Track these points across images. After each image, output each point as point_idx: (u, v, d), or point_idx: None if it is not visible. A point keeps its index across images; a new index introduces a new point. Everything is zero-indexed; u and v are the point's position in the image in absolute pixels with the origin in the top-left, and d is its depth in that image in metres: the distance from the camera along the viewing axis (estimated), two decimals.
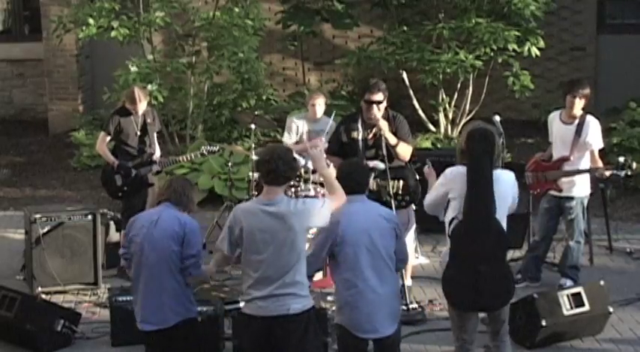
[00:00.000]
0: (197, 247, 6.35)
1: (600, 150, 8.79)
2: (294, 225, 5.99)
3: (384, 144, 8.25)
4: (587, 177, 8.78)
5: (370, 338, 6.45)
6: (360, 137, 8.37)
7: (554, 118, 8.88)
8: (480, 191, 6.35)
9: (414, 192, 8.39)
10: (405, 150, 8.39)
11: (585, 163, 8.71)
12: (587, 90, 8.68)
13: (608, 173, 8.82)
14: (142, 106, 9.32)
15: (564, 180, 8.71)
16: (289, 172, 6.06)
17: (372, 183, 8.16)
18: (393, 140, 8.31)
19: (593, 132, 8.66)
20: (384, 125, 8.28)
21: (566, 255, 8.92)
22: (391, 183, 8.18)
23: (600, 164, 8.73)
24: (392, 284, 6.51)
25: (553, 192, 8.74)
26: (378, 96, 8.27)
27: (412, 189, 8.37)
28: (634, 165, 8.88)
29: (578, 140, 8.62)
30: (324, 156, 6.66)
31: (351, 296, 6.34)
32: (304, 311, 6.05)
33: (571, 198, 8.74)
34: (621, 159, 8.94)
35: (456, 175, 6.50)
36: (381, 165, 8.32)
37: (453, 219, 6.43)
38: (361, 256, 6.34)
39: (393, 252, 6.48)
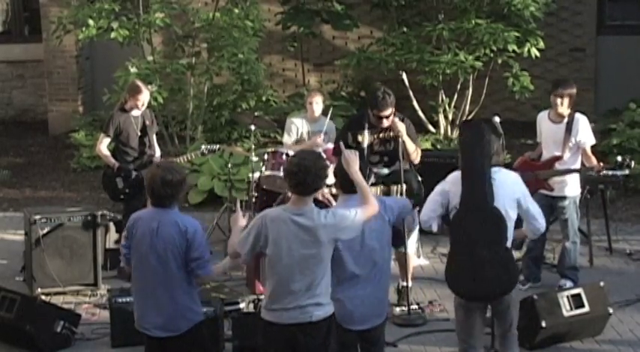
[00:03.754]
0: (200, 249, 6.15)
1: (595, 149, 8.81)
2: (322, 238, 5.92)
3: (400, 148, 8.25)
4: (577, 176, 8.80)
5: (355, 329, 6.41)
6: (365, 142, 8.38)
7: (542, 118, 8.90)
8: (474, 176, 6.46)
9: (417, 195, 8.41)
10: (418, 153, 8.48)
11: (577, 162, 8.74)
12: (569, 90, 8.68)
13: (604, 171, 8.81)
14: (145, 97, 9.28)
15: (556, 179, 8.72)
16: (318, 182, 5.96)
17: (377, 189, 8.19)
18: (410, 144, 8.36)
19: (584, 130, 8.69)
20: (402, 127, 8.31)
21: (564, 256, 8.93)
22: (395, 187, 8.21)
23: (594, 161, 8.74)
24: (380, 281, 6.47)
25: (544, 192, 8.72)
26: (388, 112, 8.31)
27: (416, 191, 8.38)
28: (632, 163, 8.90)
29: (569, 138, 8.64)
30: (357, 160, 6.49)
31: (342, 294, 6.32)
32: (326, 317, 6.03)
33: (564, 198, 8.75)
34: (619, 158, 8.95)
35: (454, 176, 6.64)
36: (384, 171, 8.34)
37: (452, 209, 6.51)
38: (350, 254, 6.30)
39: (390, 246, 6.52)
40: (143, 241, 6.16)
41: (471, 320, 6.62)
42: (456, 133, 13.29)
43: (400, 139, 8.29)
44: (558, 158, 8.68)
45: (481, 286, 6.50)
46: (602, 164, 8.82)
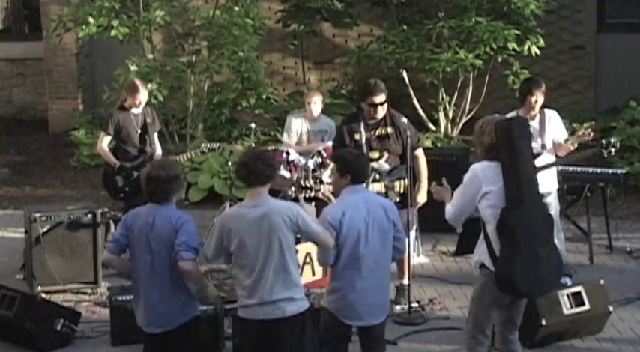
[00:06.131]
0: (186, 235, 6.10)
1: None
2: (280, 223, 6.01)
3: (408, 147, 8.29)
4: (554, 170, 8.85)
5: (355, 324, 6.48)
6: (363, 139, 8.39)
7: None
8: (529, 174, 6.42)
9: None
10: (425, 167, 8.55)
11: (552, 157, 8.78)
12: (544, 87, 8.75)
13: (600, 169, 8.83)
14: (142, 96, 9.29)
15: (538, 176, 8.75)
16: (269, 170, 6.10)
17: (380, 186, 8.21)
18: (424, 197, 8.40)
19: (558, 124, 8.78)
20: (422, 200, 8.38)
21: None
22: (398, 183, 8.25)
23: (571, 147, 8.77)
24: (381, 277, 6.51)
25: None
26: (381, 98, 8.32)
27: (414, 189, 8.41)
28: (618, 144, 8.90)
29: (545, 134, 8.67)
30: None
31: (342, 283, 6.39)
32: (300, 313, 6.08)
33: (548, 194, 8.77)
34: (603, 140, 8.95)
35: (486, 171, 6.44)
36: (385, 166, 8.35)
37: (502, 210, 6.32)
38: (359, 246, 6.36)
39: (392, 244, 6.51)
40: (140, 236, 6.22)
41: (493, 312, 6.59)
42: (456, 131, 13.29)
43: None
44: (537, 155, 8.71)
45: (542, 284, 6.49)
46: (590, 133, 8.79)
